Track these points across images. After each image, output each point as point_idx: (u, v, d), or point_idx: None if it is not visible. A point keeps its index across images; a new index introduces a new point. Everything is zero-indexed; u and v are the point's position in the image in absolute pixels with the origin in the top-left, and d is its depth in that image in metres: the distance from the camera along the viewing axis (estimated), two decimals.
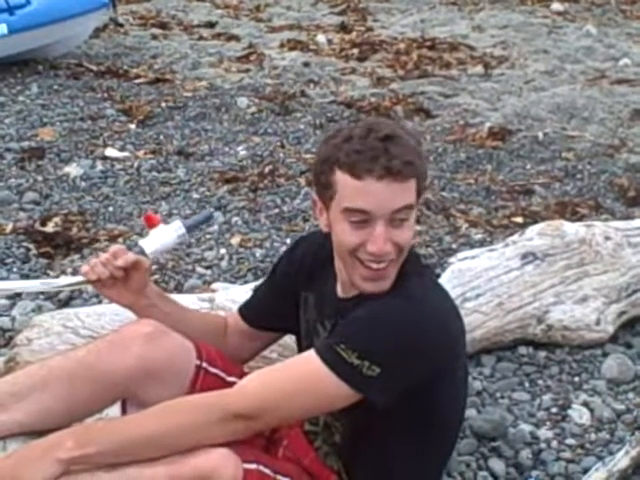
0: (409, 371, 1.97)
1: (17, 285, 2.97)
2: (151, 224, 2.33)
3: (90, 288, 3.63)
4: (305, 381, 1.97)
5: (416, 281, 2.07)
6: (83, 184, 4.91)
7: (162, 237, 2.31)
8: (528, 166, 5.50)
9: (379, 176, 1.94)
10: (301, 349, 2.33)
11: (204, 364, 2.24)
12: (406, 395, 1.99)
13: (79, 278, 2.30)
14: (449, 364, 2.08)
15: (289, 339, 2.73)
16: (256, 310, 2.43)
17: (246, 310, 2.45)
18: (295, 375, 2.00)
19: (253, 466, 1.96)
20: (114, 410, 2.28)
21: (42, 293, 3.58)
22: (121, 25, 8.61)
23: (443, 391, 2.11)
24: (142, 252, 2.27)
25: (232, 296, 3.04)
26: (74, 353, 2.26)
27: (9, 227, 4.29)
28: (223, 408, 1.96)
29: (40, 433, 2.10)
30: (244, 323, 2.43)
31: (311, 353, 1.99)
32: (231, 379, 2.22)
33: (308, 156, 5.31)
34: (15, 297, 3.61)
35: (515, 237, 3.55)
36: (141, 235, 4.27)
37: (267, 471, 1.99)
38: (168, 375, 2.16)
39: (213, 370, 2.24)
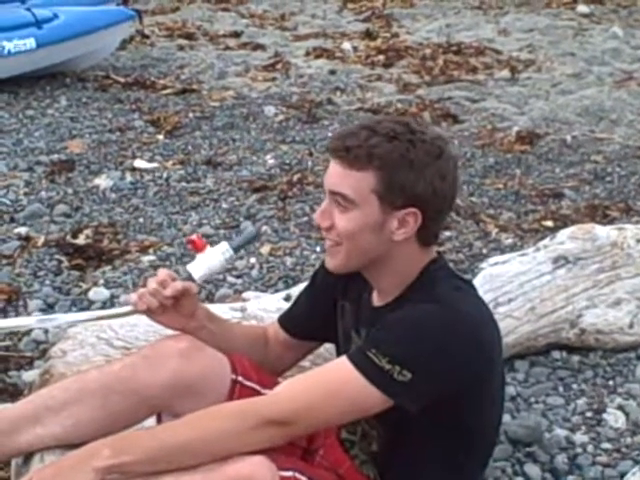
0: (441, 377, 1.97)
1: (67, 318, 2.97)
2: (197, 248, 2.29)
3: (122, 299, 3.67)
4: (337, 386, 1.97)
5: (448, 286, 2.07)
6: (113, 196, 4.94)
7: (209, 261, 2.27)
8: (557, 170, 5.48)
9: (330, 152, 2.05)
10: (339, 356, 2.33)
11: (239, 378, 2.24)
12: (441, 402, 1.99)
13: (127, 308, 2.30)
14: (483, 370, 2.06)
15: (322, 348, 2.74)
16: (296, 320, 2.43)
17: (286, 320, 2.45)
18: (327, 380, 2.00)
19: (289, 473, 1.96)
20: (150, 423, 2.29)
21: (80, 301, 3.60)
22: (147, 37, 8.66)
23: (479, 398, 2.10)
24: (190, 278, 2.25)
25: (263, 305, 3.05)
26: (109, 367, 2.27)
27: (41, 240, 4.32)
28: (257, 414, 1.96)
29: (77, 446, 2.10)
30: (284, 333, 2.43)
31: (343, 359, 1.99)
32: (266, 391, 2.22)
33: None
34: (52, 307, 3.65)
35: (546, 241, 3.53)
36: (171, 245, 4.30)
37: (303, 478, 1.99)
38: (203, 390, 2.16)
39: (248, 383, 2.24)
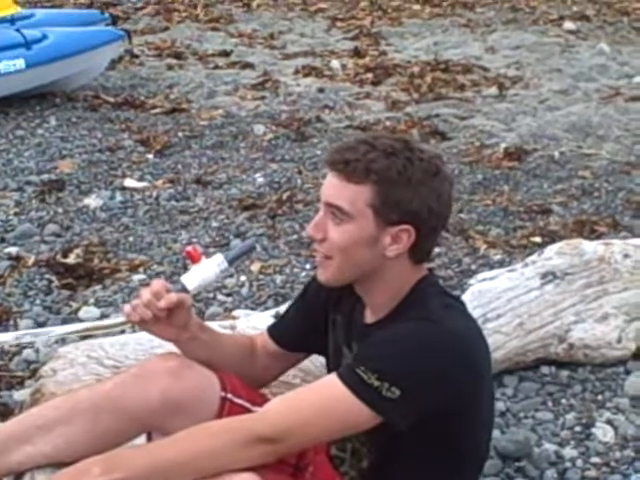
0: (430, 394, 1.98)
1: (61, 330, 2.98)
2: (193, 259, 2.27)
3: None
4: (326, 403, 1.99)
5: (438, 304, 2.09)
6: (103, 215, 4.96)
7: (204, 272, 2.25)
8: (545, 185, 5.51)
9: (328, 165, 2.07)
10: (329, 370, 2.35)
11: (229, 395, 2.24)
12: (431, 419, 2.00)
13: (121, 319, 2.29)
14: (472, 388, 2.08)
15: (311, 364, 2.75)
16: (286, 331, 2.44)
17: (276, 331, 2.46)
18: (317, 398, 2.01)
19: None
20: (140, 441, 2.29)
21: (71, 320, 3.61)
22: (137, 56, 8.67)
23: (469, 415, 2.11)
24: (184, 289, 2.23)
25: (253, 323, 3.07)
26: (99, 386, 2.28)
27: (31, 260, 4.33)
28: (247, 432, 1.97)
29: (68, 464, 2.10)
30: (273, 344, 2.43)
31: (333, 376, 2.01)
32: (256, 409, 2.23)
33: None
34: (43, 326, 3.66)
35: (534, 257, 3.56)
36: (161, 264, 4.32)
37: None
38: (193, 408, 2.16)
39: (238, 401, 2.25)
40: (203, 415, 2.18)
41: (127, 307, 2.20)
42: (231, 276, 4.12)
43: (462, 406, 2.06)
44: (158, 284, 2.19)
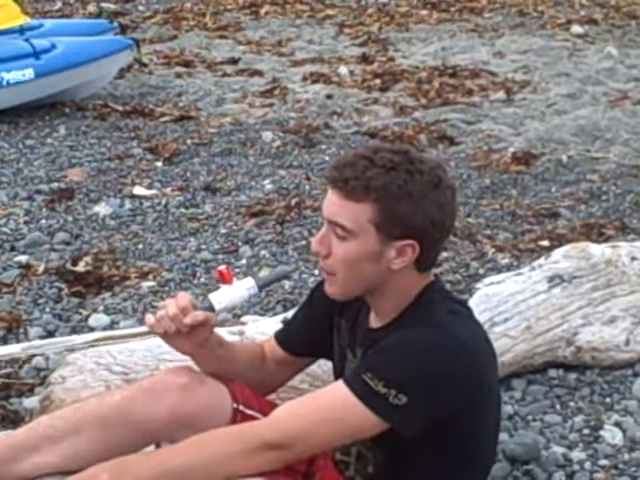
0: (437, 400, 1.99)
1: (81, 338, 2.99)
2: (224, 279, 2.26)
3: (122, 324, 3.70)
4: (333, 409, 1.99)
5: (444, 309, 2.09)
6: (112, 223, 4.98)
7: (233, 294, 2.24)
8: (553, 189, 5.51)
9: (328, 182, 2.07)
10: (336, 374, 2.36)
11: (241, 407, 2.26)
12: (438, 424, 2.00)
13: (143, 329, 2.28)
14: (479, 394, 2.08)
15: (319, 369, 2.76)
16: (294, 336, 2.45)
17: (283, 336, 2.46)
18: (324, 404, 2.02)
19: None
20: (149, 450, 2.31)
21: (81, 328, 3.63)
22: (145, 65, 8.71)
23: (476, 419, 2.12)
24: (210, 307, 2.22)
25: (261, 328, 3.08)
26: (109, 398, 2.28)
27: (41, 268, 4.35)
28: (255, 438, 1.98)
29: (75, 472, 2.12)
30: (280, 349, 2.44)
31: (340, 383, 2.02)
32: None
33: None
34: (52, 333, 3.68)
35: (541, 260, 3.57)
36: (170, 271, 4.34)
37: None
38: (204, 424, 2.15)
39: (250, 412, 2.26)
40: (213, 428, 2.17)
41: (151, 318, 2.19)
42: None
43: (468, 411, 2.06)
44: (185, 299, 2.18)
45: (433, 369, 1.97)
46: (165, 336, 2.21)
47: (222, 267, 2.29)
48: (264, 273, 4.23)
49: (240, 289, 2.24)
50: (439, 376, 1.97)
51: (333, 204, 2.05)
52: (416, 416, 1.96)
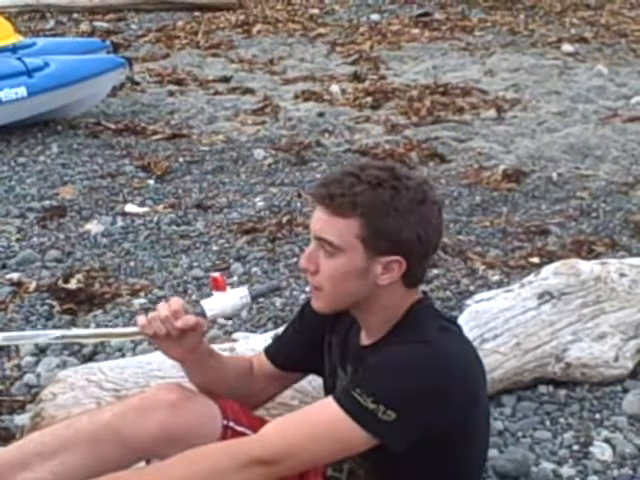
0: (426, 417, 2.00)
1: (72, 333, 2.96)
2: (218, 286, 2.26)
3: (114, 342, 3.70)
4: (323, 426, 2.00)
5: (433, 326, 2.11)
6: (104, 240, 4.99)
7: (225, 302, 2.24)
8: (543, 206, 5.54)
9: (315, 199, 2.09)
10: (326, 390, 2.37)
11: (231, 423, 2.27)
12: (427, 439, 2.02)
13: (134, 329, 2.27)
14: (468, 410, 2.09)
15: (309, 386, 2.78)
16: (283, 351, 2.46)
17: (272, 351, 2.48)
18: (314, 420, 2.03)
19: None
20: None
21: (72, 345, 3.62)
22: (138, 83, 8.73)
23: (465, 435, 2.13)
24: (202, 313, 2.23)
25: (252, 345, 3.09)
26: (99, 414, 2.29)
27: (32, 285, 4.36)
28: (245, 454, 1.99)
29: None
30: (270, 364, 2.45)
31: (329, 399, 2.03)
32: None
33: None
34: (44, 351, 3.68)
35: (531, 277, 3.59)
36: (162, 288, 4.34)
37: None
38: (193, 440, 2.16)
39: (240, 428, 2.27)
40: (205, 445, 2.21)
41: (143, 319, 2.21)
42: None
43: (458, 427, 2.07)
44: (177, 303, 2.20)
45: (422, 385, 1.98)
46: (155, 338, 2.22)
47: (216, 274, 2.29)
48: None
49: (233, 297, 2.25)
50: (428, 392, 1.98)
51: (320, 220, 2.07)
52: (405, 432, 1.97)
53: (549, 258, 4.52)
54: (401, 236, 2.03)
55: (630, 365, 3.39)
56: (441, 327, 2.13)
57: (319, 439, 2.00)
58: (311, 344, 2.37)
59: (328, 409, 2.00)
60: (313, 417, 2.04)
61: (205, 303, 2.25)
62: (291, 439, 2.00)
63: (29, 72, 7.03)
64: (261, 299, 4.13)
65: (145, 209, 5.47)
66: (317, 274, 2.10)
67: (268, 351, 2.48)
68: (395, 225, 2.03)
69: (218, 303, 2.25)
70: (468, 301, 3.53)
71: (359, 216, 2.02)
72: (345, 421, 1.97)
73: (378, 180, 2.04)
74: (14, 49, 7.52)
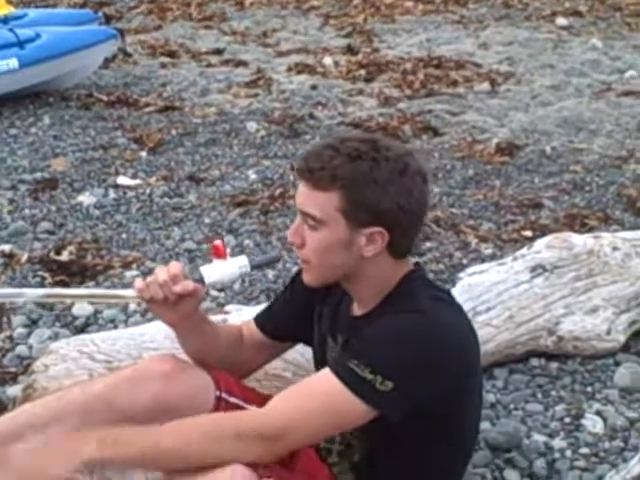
0: (422, 385, 2.00)
1: (67, 292, 2.93)
2: (217, 254, 2.25)
3: (106, 313, 3.70)
4: (323, 399, 2.00)
5: (426, 296, 2.11)
6: (96, 212, 4.97)
7: (225, 270, 2.23)
8: (536, 180, 5.53)
9: (297, 173, 2.12)
10: (315, 360, 2.37)
11: (224, 394, 2.27)
12: (423, 410, 2.02)
13: (130, 292, 2.26)
14: (464, 378, 2.10)
15: (302, 358, 2.77)
16: (273, 320, 2.46)
17: (262, 320, 2.47)
18: (313, 394, 2.02)
19: None
20: None
21: (64, 316, 3.61)
22: (130, 55, 8.69)
23: (459, 404, 2.14)
24: (201, 280, 2.21)
25: (245, 317, 3.07)
26: (92, 386, 2.29)
27: (24, 257, 4.35)
28: (250, 429, 1.98)
29: None
30: (259, 332, 2.45)
31: (327, 371, 2.02)
32: (249, 406, 2.25)
33: None
34: (36, 322, 3.68)
35: (523, 250, 3.58)
36: (154, 260, 4.33)
37: None
38: (187, 412, 2.17)
39: (233, 400, 2.27)
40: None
41: (140, 282, 2.20)
42: None
43: (452, 396, 2.08)
44: (177, 267, 2.18)
45: (418, 354, 1.98)
46: (151, 302, 2.21)
47: (217, 241, 2.28)
48: None
49: (232, 266, 2.24)
50: (424, 361, 1.99)
51: (302, 195, 2.08)
52: (403, 401, 1.98)
53: (542, 231, 4.51)
54: (381, 207, 2.04)
55: (622, 338, 3.40)
56: (434, 297, 2.13)
57: (320, 413, 1.99)
58: (301, 314, 2.38)
59: (327, 382, 2.00)
60: (313, 392, 2.03)
61: (204, 270, 2.24)
62: (294, 415, 1.99)
63: (20, 43, 6.99)
64: (256, 271, 4.13)
65: (137, 181, 5.46)
66: (303, 247, 2.11)
67: (258, 319, 2.48)
68: (374, 196, 2.03)
69: (217, 271, 2.24)
70: (461, 274, 3.53)
71: (339, 189, 2.03)
72: (343, 393, 1.97)
73: (357, 152, 2.04)
74: (5, 20, 7.47)
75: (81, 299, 2.93)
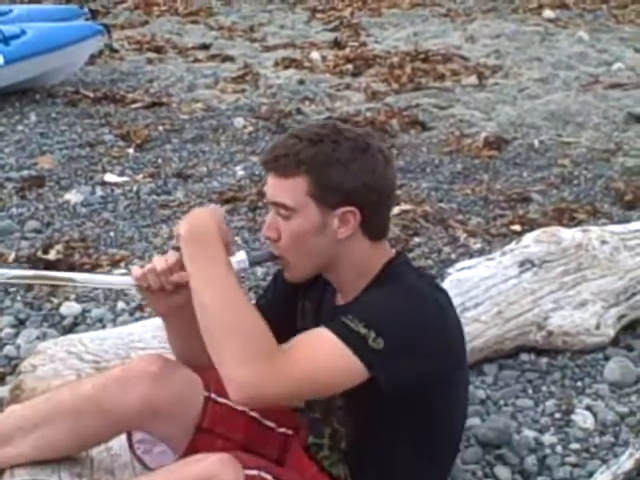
0: (412, 350, 1.99)
1: (61, 275, 2.89)
2: None
3: (94, 312, 3.68)
4: (319, 354, 1.96)
5: (411, 276, 2.12)
6: (84, 210, 4.95)
7: None
8: (525, 174, 5.53)
9: (263, 166, 2.11)
10: None
11: (212, 395, 2.26)
12: (408, 394, 2.01)
13: (127, 279, 2.25)
14: (448, 357, 2.09)
15: None
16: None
17: None
18: (311, 349, 1.99)
19: (254, 472, 1.99)
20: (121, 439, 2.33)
21: (52, 316, 3.60)
22: (116, 51, 8.66)
23: (445, 391, 2.12)
24: None
25: None
26: (80, 387, 2.27)
27: (11, 256, 4.32)
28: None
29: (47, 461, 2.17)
30: None
31: (322, 329, 2.00)
32: (240, 407, 2.24)
33: None
34: (23, 322, 3.66)
35: (512, 245, 3.58)
36: (142, 258, 4.31)
37: (269, 477, 2.02)
38: (175, 412, 2.16)
39: (222, 400, 2.25)
40: (186, 417, 2.22)
41: (138, 270, 2.17)
42: None
43: (440, 385, 2.07)
44: (174, 257, 2.15)
45: (410, 319, 1.99)
46: (147, 291, 2.19)
47: None
48: None
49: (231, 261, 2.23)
50: (415, 327, 1.99)
51: (271, 186, 2.08)
52: (393, 363, 1.96)
53: (530, 226, 4.52)
54: (346, 186, 2.05)
55: (611, 333, 3.40)
56: (419, 276, 2.16)
57: (319, 371, 1.97)
58: (285, 310, 2.36)
59: (322, 337, 1.98)
60: (310, 347, 2.01)
61: None
62: (299, 373, 1.97)
63: (6, 40, 6.97)
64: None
65: (125, 178, 5.44)
66: (279, 241, 2.10)
67: None
68: (339, 176, 2.05)
69: None
70: (449, 269, 3.52)
71: (304, 173, 2.04)
72: (338, 346, 1.95)
73: (318, 136, 2.07)
74: None
75: (74, 283, 2.88)
